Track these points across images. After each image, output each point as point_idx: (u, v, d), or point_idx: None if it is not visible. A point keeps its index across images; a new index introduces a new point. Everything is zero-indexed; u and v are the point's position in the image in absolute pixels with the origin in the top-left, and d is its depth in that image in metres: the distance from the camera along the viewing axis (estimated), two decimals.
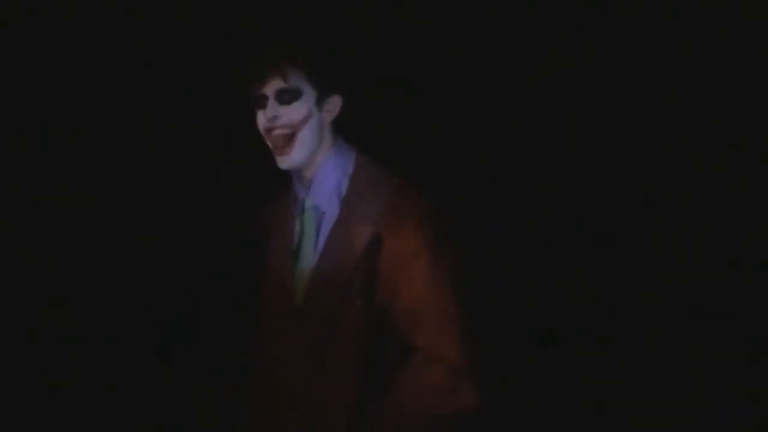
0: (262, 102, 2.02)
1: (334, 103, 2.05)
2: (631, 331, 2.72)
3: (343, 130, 2.09)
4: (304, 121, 2.00)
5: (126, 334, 2.86)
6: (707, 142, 2.69)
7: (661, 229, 2.74)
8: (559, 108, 2.80)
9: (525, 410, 2.67)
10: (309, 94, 2.01)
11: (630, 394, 2.70)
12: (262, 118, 2.03)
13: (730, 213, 2.67)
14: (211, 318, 2.81)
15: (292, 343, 1.99)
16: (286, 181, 2.13)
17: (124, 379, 2.83)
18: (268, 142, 2.04)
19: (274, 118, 2.00)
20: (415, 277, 1.94)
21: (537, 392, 2.73)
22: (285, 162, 2.02)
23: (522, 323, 2.75)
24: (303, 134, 2.00)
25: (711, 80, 2.66)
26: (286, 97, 2.00)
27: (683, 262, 2.71)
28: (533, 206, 2.81)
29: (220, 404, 2.23)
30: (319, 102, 2.02)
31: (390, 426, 1.90)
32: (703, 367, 2.65)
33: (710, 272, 2.67)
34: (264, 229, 2.16)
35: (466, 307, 1.96)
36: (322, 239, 2.02)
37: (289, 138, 2.00)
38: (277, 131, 2.00)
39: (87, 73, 2.88)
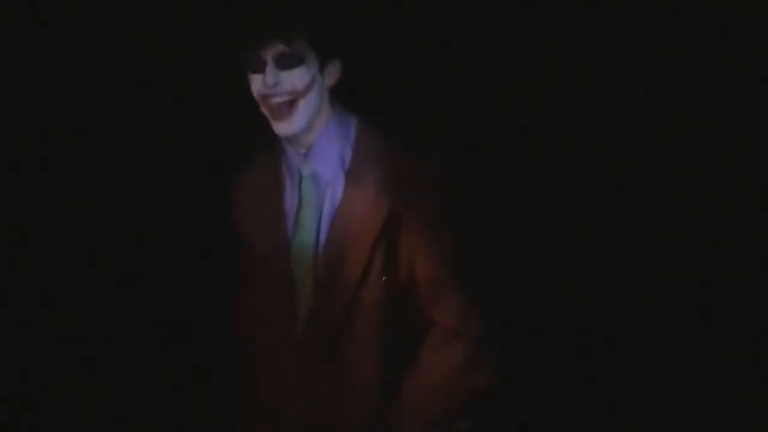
0: (258, 66, 1.88)
1: (335, 68, 1.94)
2: (631, 331, 2.72)
3: (338, 96, 1.98)
4: (308, 88, 1.88)
5: (123, 331, 2.86)
6: (708, 142, 2.69)
7: (662, 228, 2.74)
8: (560, 107, 2.80)
9: (524, 410, 2.67)
10: (312, 60, 1.89)
11: (629, 395, 2.70)
12: (258, 84, 1.89)
13: (730, 213, 2.67)
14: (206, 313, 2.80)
15: (293, 324, 1.91)
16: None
17: (121, 378, 2.83)
18: (264, 109, 1.91)
19: (275, 84, 1.87)
20: (438, 251, 1.87)
21: (536, 392, 2.73)
22: (285, 128, 1.89)
23: (521, 323, 2.75)
24: (305, 102, 1.88)
25: (713, 79, 2.66)
26: (288, 62, 1.87)
27: (683, 262, 2.71)
28: (532, 205, 2.81)
29: (214, 400, 2.15)
30: (322, 68, 1.91)
31: (413, 400, 1.85)
32: (703, 367, 2.65)
33: (711, 272, 2.67)
34: (240, 199, 2.05)
35: (486, 282, 1.93)
36: (329, 212, 1.92)
37: (290, 105, 1.88)
38: (277, 99, 1.88)
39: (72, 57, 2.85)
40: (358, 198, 1.90)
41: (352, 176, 1.91)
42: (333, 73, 1.93)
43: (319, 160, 1.93)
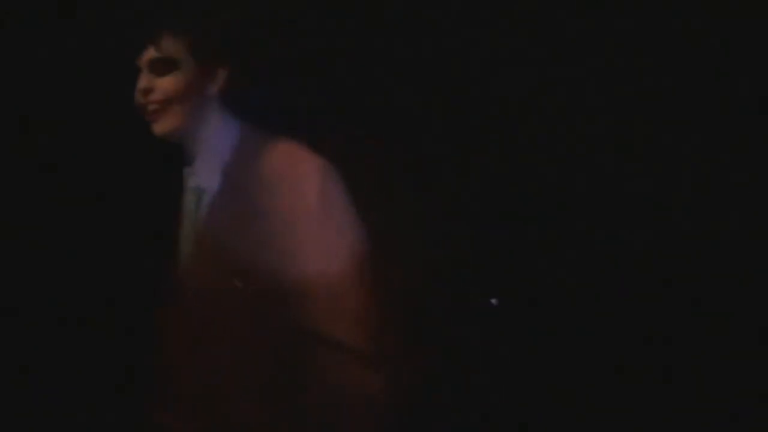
0: (139, 75, 1.85)
1: (219, 76, 1.86)
2: (631, 331, 2.72)
3: (239, 105, 1.89)
4: (181, 94, 1.82)
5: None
6: (707, 142, 2.69)
7: (661, 229, 2.74)
8: (558, 108, 2.79)
9: (523, 410, 2.67)
10: (188, 65, 1.83)
11: (630, 395, 2.70)
12: (136, 90, 1.85)
13: (730, 213, 2.68)
14: None
15: (184, 331, 1.84)
16: None
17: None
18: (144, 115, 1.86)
19: (146, 90, 1.81)
20: (304, 252, 1.75)
21: (535, 392, 2.72)
22: (157, 129, 1.84)
23: (521, 323, 2.74)
24: (180, 107, 1.82)
25: (713, 77, 2.66)
26: (161, 67, 1.81)
27: (683, 262, 2.71)
28: (531, 205, 2.81)
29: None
30: (201, 74, 1.84)
31: (298, 420, 1.75)
32: (703, 367, 2.65)
33: (711, 272, 2.67)
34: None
35: (370, 282, 1.77)
36: (203, 221, 1.86)
37: (163, 110, 1.82)
38: (151, 105, 1.82)
39: None
40: (225, 200, 1.83)
41: (225, 179, 1.84)
42: (216, 81, 1.86)
43: (200, 172, 1.88)
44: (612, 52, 2.75)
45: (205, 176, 1.87)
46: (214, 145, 1.86)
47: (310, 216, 1.75)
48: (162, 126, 1.83)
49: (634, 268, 2.73)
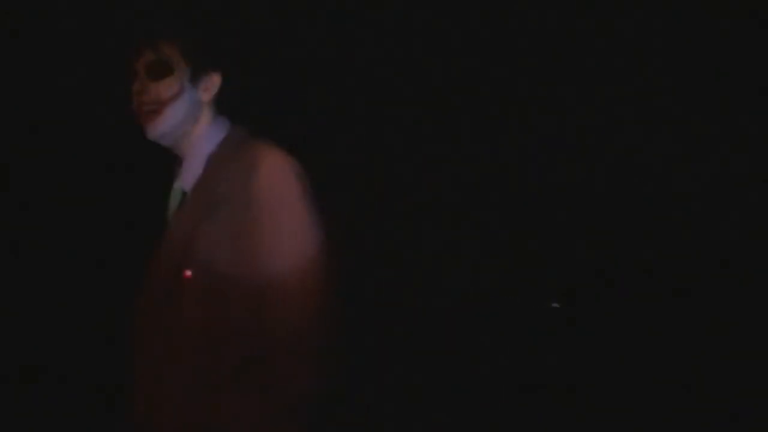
0: (134, 76, 1.86)
1: (212, 81, 1.89)
2: (631, 329, 2.72)
3: (232, 111, 1.92)
4: (174, 98, 1.85)
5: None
6: (708, 143, 2.70)
7: (662, 229, 2.74)
8: (559, 108, 2.80)
9: (523, 410, 2.67)
10: (182, 70, 1.85)
11: (630, 394, 2.71)
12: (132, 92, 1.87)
13: (730, 213, 2.68)
14: None
15: (145, 318, 1.85)
16: None
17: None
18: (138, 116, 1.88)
19: (141, 91, 1.83)
20: (258, 247, 1.76)
21: (535, 392, 2.73)
22: (148, 132, 1.86)
23: (521, 323, 2.75)
24: (171, 110, 1.86)
25: (713, 79, 2.66)
26: (157, 71, 1.85)
27: (683, 263, 2.71)
28: (531, 205, 2.81)
29: None
30: (194, 79, 1.87)
31: (242, 414, 1.73)
32: (703, 367, 2.65)
33: (710, 272, 2.67)
34: None
35: (323, 281, 1.76)
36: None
37: (156, 112, 1.84)
38: (145, 107, 1.84)
39: None
40: (197, 195, 1.86)
41: (202, 178, 1.87)
42: (209, 85, 1.89)
43: (186, 173, 1.90)
44: (612, 52, 2.75)
45: (189, 178, 1.88)
46: (201, 147, 1.89)
47: (268, 207, 1.78)
48: (154, 129, 1.86)
49: (634, 268, 2.74)
